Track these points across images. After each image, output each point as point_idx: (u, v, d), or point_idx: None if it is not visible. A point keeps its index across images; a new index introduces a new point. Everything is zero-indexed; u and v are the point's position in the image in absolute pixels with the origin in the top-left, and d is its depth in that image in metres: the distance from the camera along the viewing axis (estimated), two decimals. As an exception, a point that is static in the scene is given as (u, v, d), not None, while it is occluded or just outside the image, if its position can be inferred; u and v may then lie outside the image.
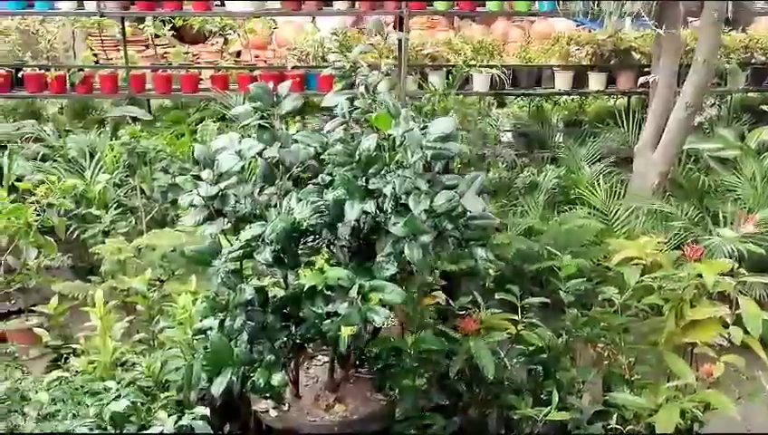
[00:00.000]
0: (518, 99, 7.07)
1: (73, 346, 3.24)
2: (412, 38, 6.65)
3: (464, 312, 3.28)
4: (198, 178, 2.72)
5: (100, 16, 5.90)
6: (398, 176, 2.65)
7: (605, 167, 5.64)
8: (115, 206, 4.85)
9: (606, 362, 3.42)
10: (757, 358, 2.98)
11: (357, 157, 2.71)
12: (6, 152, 5.08)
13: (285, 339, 2.84)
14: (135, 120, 5.92)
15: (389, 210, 2.63)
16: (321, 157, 2.90)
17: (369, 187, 2.68)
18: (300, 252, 2.82)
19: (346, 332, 2.50)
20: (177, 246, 3.82)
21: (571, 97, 7.05)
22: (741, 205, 4.76)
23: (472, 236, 2.72)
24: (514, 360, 3.18)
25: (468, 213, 2.64)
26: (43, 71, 6.04)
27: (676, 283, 3.21)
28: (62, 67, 6.15)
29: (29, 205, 3.03)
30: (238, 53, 7.69)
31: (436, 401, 3.07)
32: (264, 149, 2.77)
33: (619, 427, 2.98)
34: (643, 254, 3.34)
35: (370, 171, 2.72)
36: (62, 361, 3.33)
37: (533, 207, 5.02)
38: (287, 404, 2.98)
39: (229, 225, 2.80)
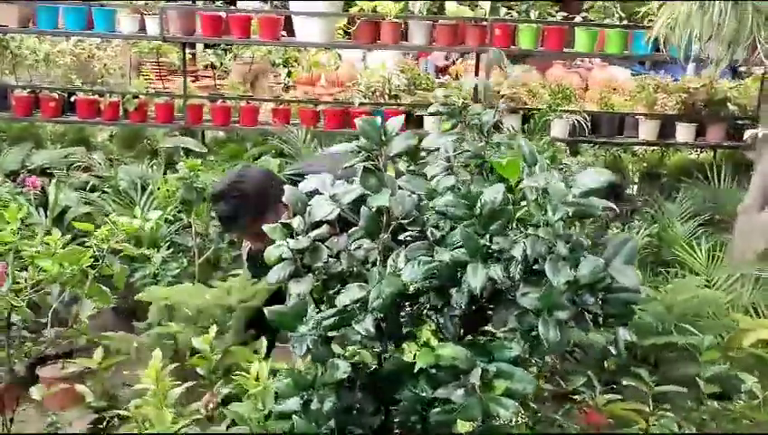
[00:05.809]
0: (593, 147, 6.61)
1: (118, 412, 2.79)
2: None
3: (576, 396, 2.77)
4: (288, 226, 2.27)
5: (163, 40, 5.56)
6: (529, 235, 2.19)
7: (696, 226, 5.15)
8: (167, 245, 4.44)
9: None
10: None
11: (478, 210, 2.25)
12: (53, 181, 4.72)
13: (377, 426, 2.35)
14: (188, 152, 5.57)
15: (518, 277, 2.16)
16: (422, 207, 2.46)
17: (492, 247, 2.21)
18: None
19: (464, 427, 2.01)
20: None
21: (652, 148, 6.57)
22: None
23: (612, 312, 2.23)
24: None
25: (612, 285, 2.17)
26: (96, 96, 5.74)
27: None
28: (116, 93, 5.84)
29: (86, 248, 2.54)
30: (286, 88, 7.32)
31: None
32: (364, 196, 2.32)
33: None
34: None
35: (492, 228, 2.26)
36: (105, 425, 2.89)
37: (626, 269, 4.51)
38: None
39: (317, 283, 2.34)
